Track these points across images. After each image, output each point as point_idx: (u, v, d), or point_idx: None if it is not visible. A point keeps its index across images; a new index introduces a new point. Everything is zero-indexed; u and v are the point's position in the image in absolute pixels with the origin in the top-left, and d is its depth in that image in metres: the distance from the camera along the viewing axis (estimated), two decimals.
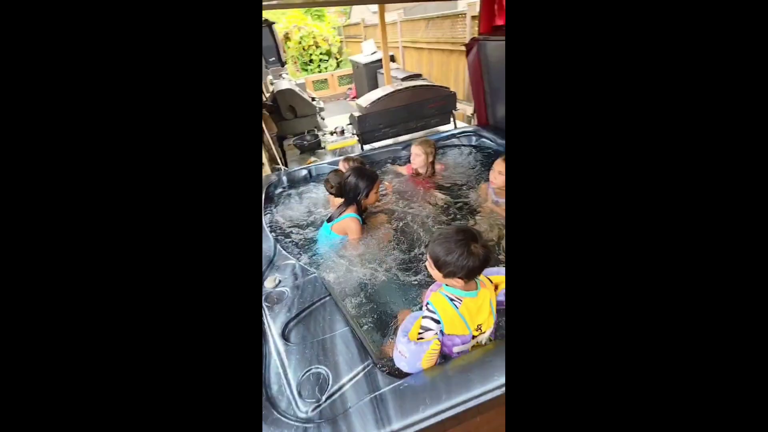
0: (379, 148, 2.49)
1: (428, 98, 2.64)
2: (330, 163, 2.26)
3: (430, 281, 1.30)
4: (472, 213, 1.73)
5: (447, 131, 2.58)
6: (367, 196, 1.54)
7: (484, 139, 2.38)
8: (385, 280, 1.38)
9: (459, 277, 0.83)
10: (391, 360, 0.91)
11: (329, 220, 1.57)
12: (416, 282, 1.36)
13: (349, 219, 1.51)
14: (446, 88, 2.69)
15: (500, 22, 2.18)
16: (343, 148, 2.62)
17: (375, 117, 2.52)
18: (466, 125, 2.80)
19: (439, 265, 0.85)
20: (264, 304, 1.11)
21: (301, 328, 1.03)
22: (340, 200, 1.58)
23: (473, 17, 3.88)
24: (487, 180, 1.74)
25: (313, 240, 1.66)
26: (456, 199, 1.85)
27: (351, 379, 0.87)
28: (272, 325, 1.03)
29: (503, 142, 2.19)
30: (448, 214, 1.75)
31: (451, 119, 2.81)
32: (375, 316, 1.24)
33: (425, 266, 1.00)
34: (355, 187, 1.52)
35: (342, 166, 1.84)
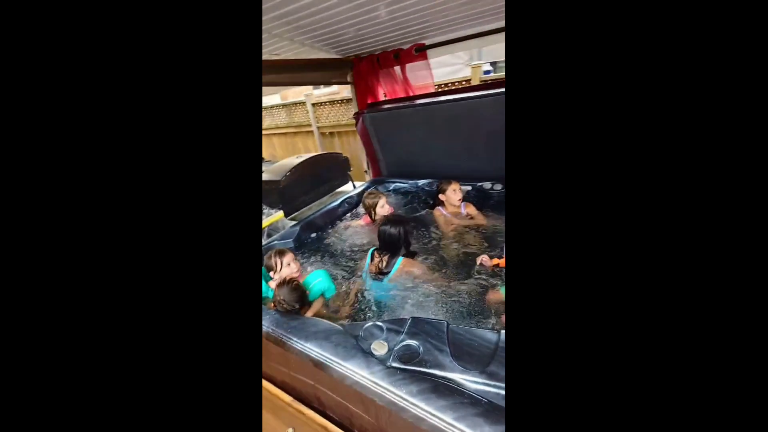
0: (313, 213, 2.43)
1: (330, 164, 2.86)
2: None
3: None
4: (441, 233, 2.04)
5: (355, 190, 2.86)
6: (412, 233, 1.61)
7: (396, 184, 2.83)
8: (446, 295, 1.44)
9: None
10: None
11: (381, 274, 1.52)
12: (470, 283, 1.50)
13: (407, 262, 1.53)
14: (340, 153, 3.02)
15: (371, 101, 2.83)
16: (272, 225, 2.33)
17: (292, 188, 2.47)
18: (363, 182, 3.19)
19: None
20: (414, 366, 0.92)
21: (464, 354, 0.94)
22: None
23: (313, 104, 4.59)
24: (434, 206, 2.13)
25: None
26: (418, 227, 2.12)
27: None
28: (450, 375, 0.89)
29: (411, 181, 2.71)
30: (424, 241, 1.98)
31: (349, 180, 3.13)
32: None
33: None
34: (403, 233, 1.56)
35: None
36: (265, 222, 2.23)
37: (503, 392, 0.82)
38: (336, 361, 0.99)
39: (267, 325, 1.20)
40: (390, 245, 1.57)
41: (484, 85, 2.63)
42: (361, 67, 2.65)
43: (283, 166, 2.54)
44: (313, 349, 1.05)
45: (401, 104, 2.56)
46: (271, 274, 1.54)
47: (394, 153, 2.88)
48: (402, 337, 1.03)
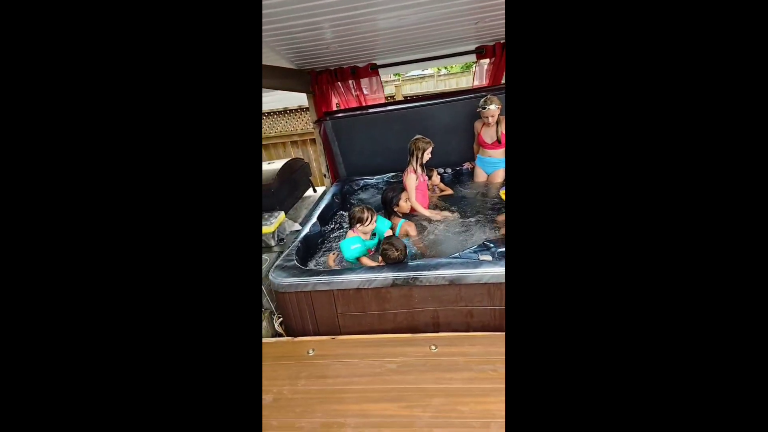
0: (310, 211, 2.53)
1: (298, 169, 2.97)
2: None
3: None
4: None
5: (316, 194, 3.07)
6: (398, 204, 2.08)
7: (365, 180, 3.21)
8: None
9: None
10: None
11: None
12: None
13: (404, 224, 2.02)
14: (301, 159, 3.14)
15: (326, 109, 3.15)
16: (281, 225, 2.25)
17: (281, 190, 2.51)
18: (325, 187, 3.39)
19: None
20: None
21: None
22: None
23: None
24: None
25: None
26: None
27: None
28: None
29: (377, 177, 3.16)
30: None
31: (311, 185, 3.28)
32: None
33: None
34: (391, 198, 2.05)
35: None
36: (275, 224, 2.18)
37: None
38: (469, 272, 1.42)
39: (387, 275, 1.46)
40: (386, 204, 2.09)
41: (417, 98, 3.35)
42: (321, 79, 2.94)
43: (264, 172, 2.53)
44: (447, 272, 1.43)
45: (359, 112, 3.00)
46: (358, 226, 1.81)
47: (354, 154, 3.26)
48: (493, 248, 1.55)
